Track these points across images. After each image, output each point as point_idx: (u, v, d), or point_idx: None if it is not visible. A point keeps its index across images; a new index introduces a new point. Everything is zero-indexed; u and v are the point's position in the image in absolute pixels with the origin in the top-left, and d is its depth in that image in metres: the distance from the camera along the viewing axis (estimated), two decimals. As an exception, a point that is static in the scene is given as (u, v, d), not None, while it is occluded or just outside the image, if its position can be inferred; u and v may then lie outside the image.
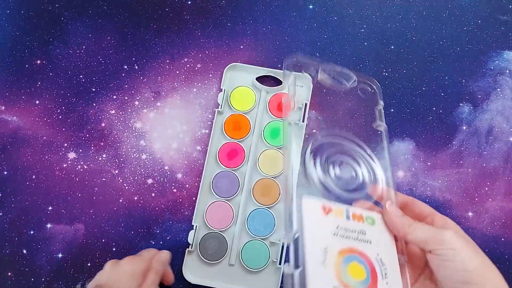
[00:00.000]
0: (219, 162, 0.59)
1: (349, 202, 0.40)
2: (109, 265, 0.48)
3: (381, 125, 0.45)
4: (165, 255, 0.52)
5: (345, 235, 0.37)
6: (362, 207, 0.39)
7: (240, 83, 0.62)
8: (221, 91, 0.61)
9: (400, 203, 0.41)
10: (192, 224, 0.57)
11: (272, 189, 0.58)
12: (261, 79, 0.62)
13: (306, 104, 0.60)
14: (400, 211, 0.38)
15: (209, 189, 0.59)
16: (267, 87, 0.61)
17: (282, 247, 0.57)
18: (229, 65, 0.62)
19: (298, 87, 0.61)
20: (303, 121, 0.59)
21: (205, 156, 0.59)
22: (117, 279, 0.47)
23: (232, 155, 0.60)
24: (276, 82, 0.62)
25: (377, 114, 0.47)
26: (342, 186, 0.42)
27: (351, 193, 0.42)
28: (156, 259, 0.51)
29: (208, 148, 0.60)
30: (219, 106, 0.61)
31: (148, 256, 0.51)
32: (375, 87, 0.47)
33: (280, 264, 0.56)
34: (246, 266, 0.56)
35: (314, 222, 0.36)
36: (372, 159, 0.45)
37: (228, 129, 0.61)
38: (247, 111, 0.61)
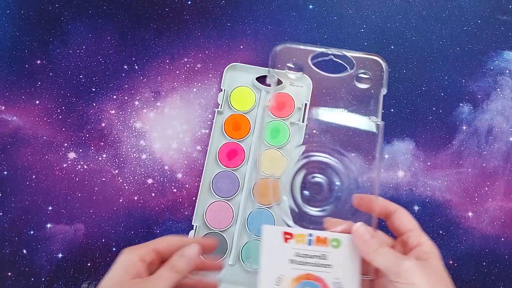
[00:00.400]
0: (219, 162, 0.60)
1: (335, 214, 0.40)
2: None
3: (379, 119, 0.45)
4: (192, 251, 0.39)
5: (303, 261, 0.38)
6: (334, 226, 0.39)
7: (240, 83, 0.62)
8: (221, 91, 0.61)
9: (384, 213, 0.40)
10: (192, 224, 0.57)
11: (270, 189, 0.58)
12: (261, 79, 0.62)
13: (306, 104, 0.60)
14: (369, 232, 0.37)
15: (209, 189, 0.59)
16: (267, 87, 0.61)
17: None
18: (229, 65, 0.62)
19: (298, 87, 0.61)
20: (303, 121, 0.60)
21: (205, 156, 0.59)
22: (110, 272, 0.37)
23: (232, 155, 0.60)
24: (276, 82, 0.62)
25: (378, 103, 0.45)
26: (315, 204, 0.42)
27: (328, 206, 0.43)
28: (180, 255, 0.38)
29: (208, 148, 0.60)
30: (219, 106, 0.61)
31: (158, 245, 0.39)
32: (378, 69, 0.45)
33: None
34: (246, 266, 0.56)
35: (271, 250, 0.38)
36: (355, 165, 0.45)
37: (228, 129, 0.61)
38: (247, 111, 0.61)
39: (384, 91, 0.44)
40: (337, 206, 0.43)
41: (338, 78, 0.47)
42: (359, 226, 0.37)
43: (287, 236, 0.39)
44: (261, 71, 0.62)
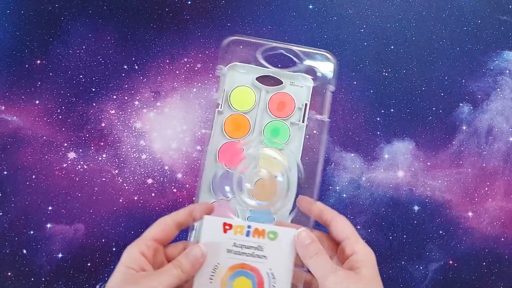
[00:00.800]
0: (219, 163, 0.59)
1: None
2: None
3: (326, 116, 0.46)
4: (197, 252, 0.40)
5: (240, 251, 0.41)
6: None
7: (240, 82, 0.62)
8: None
9: (320, 218, 0.42)
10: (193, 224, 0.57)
11: (270, 187, 0.58)
12: (261, 79, 0.62)
13: (306, 105, 0.60)
14: (310, 238, 0.39)
15: (208, 189, 0.59)
16: (267, 86, 0.61)
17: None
18: (229, 65, 0.62)
19: (298, 87, 0.61)
20: (303, 122, 0.60)
21: (205, 156, 0.59)
22: (114, 271, 0.37)
23: (232, 155, 0.60)
24: (276, 81, 0.62)
25: (325, 99, 0.47)
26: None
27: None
28: (186, 254, 0.39)
29: (208, 147, 0.60)
30: (219, 106, 0.61)
31: (155, 234, 0.40)
32: (328, 66, 0.46)
33: None
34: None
35: (211, 240, 0.41)
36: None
37: (228, 128, 0.61)
38: (247, 111, 0.61)
39: (331, 88, 0.46)
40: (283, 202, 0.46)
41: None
42: (301, 231, 0.39)
43: (227, 227, 0.42)
44: (262, 71, 0.62)
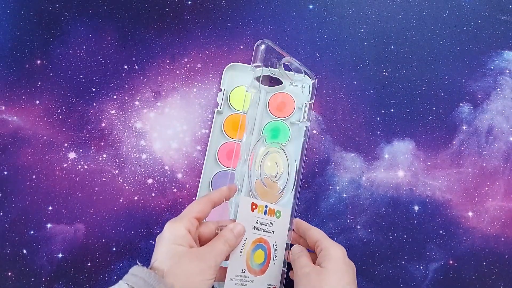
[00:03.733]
0: (219, 162, 0.60)
1: None
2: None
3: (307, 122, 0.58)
4: (240, 228, 0.44)
5: (260, 227, 0.48)
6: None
7: (240, 83, 0.62)
8: (221, 90, 0.61)
9: (298, 231, 0.51)
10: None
11: (271, 189, 0.58)
12: (261, 79, 0.62)
13: (305, 104, 0.60)
14: (300, 248, 0.49)
15: (208, 188, 0.59)
16: (267, 86, 0.61)
17: (287, 248, 0.56)
18: (229, 65, 0.62)
19: (298, 87, 0.61)
20: (302, 121, 0.60)
21: (205, 156, 0.59)
22: (162, 246, 0.40)
23: (232, 154, 0.60)
24: (276, 82, 0.62)
25: (305, 108, 0.58)
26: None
27: None
28: (230, 230, 0.43)
29: (208, 147, 0.60)
30: (219, 106, 0.61)
31: (196, 213, 0.42)
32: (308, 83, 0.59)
33: (284, 266, 0.56)
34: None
35: (244, 217, 0.46)
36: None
37: (228, 128, 0.61)
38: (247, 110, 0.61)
39: (310, 100, 0.59)
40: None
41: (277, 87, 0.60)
42: (295, 247, 0.50)
43: (253, 206, 0.48)
44: (261, 71, 0.61)
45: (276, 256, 0.50)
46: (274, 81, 0.62)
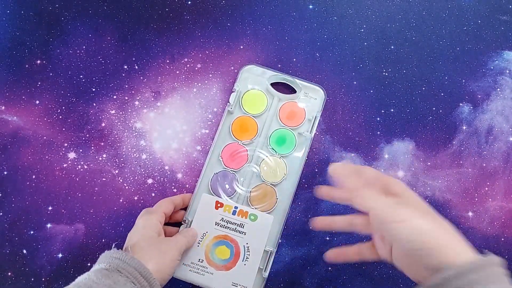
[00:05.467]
0: (222, 162, 0.59)
1: None
2: (138, 220, 0.51)
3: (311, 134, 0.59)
4: (195, 230, 0.55)
5: (226, 225, 0.55)
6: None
7: (254, 86, 0.62)
8: (234, 91, 0.60)
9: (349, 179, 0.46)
10: (184, 219, 0.57)
11: (268, 196, 0.58)
12: (276, 85, 0.61)
13: (315, 117, 0.59)
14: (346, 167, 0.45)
15: (207, 186, 0.59)
16: (280, 94, 0.61)
17: (270, 255, 0.56)
18: (246, 67, 0.61)
19: (311, 99, 0.61)
20: (310, 133, 0.59)
21: (206, 155, 0.59)
22: (137, 229, 0.50)
23: (235, 156, 0.60)
24: (290, 90, 0.62)
25: (313, 120, 0.60)
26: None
27: None
28: (187, 230, 0.55)
29: (212, 145, 0.59)
30: (230, 106, 0.60)
31: (164, 209, 0.53)
32: (317, 97, 0.61)
33: (265, 271, 0.55)
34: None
35: (204, 213, 0.55)
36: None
37: (235, 130, 0.60)
38: (257, 114, 0.61)
39: (318, 113, 0.60)
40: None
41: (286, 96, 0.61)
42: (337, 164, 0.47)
43: (218, 204, 0.55)
44: (277, 77, 0.61)
45: (247, 258, 0.54)
46: (288, 89, 0.62)
